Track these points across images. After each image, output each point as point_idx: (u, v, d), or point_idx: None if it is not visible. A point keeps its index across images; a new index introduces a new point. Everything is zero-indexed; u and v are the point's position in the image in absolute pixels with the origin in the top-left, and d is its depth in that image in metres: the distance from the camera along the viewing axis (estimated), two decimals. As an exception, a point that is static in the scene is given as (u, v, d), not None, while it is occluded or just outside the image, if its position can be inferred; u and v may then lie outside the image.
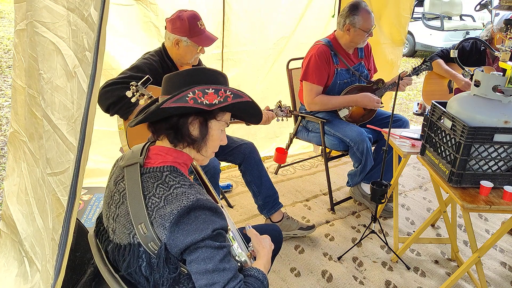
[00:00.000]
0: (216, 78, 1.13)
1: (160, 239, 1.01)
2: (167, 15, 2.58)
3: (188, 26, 2.01)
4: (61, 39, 1.17)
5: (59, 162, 1.23)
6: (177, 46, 2.07)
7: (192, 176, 1.41)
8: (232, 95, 1.11)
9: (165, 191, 1.04)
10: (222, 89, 1.09)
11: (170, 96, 1.06)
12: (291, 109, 2.43)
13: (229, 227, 1.12)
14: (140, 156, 1.12)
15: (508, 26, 1.88)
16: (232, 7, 2.92)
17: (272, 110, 2.35)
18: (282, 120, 2.43)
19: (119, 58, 2.54)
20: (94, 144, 1.19)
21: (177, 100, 1.05)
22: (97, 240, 1.21)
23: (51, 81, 1.22)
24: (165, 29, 2.09)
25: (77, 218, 1.35)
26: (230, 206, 2.81)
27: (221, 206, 1.25)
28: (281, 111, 2.38)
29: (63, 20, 1.15)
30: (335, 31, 2.74)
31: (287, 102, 2.66)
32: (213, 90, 1.08)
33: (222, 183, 3.01)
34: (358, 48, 2.77)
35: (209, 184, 1.34)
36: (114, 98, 1.91)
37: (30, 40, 1.33)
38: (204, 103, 1.07)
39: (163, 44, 2.15)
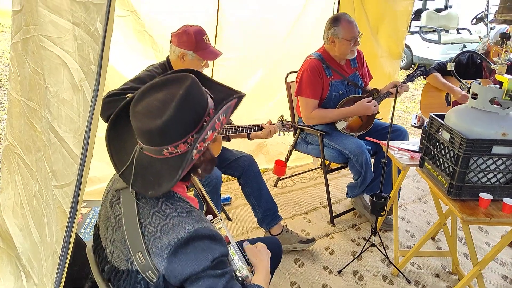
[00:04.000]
0: (202, 96, 1.03)
1: (158, 270, 0.98)
2: (161, 24, 2.65)
3: (194, 40, 2.05)
4: (67, 53, 1.18)
5: (65, 175, 1.23)
6: (182, 60, 2.09)
7: (192, 189, 1.41)
8: (225, 115, 1.05)
9: (161, 220, 1.00)
10: (216, 120, 1.02)
11: (179, 173, 0.99)
12: (293, 123, 2.46)
13: (229, 241, 1.11)
14: None
15: (504, 39, 1.90)
16: (226, 16, 3.00)
17: (274, 124, 2.37)
18: (284, 134, 2.46)
19: (118, 67, 2.58)
20: (93, 150, 1.19)
21: (187, 166, 1.00)
22: (95, 256, 1.19)
23: (58, 95, 1.23)
24: (171, 43, 2.12)
25: (75, 232, 1.35)
26: (229, 219, 2.80)
27: (220, 219, 1.24)
28: (283, 125, 2.41)
29: (68, 35, 1.17)
30: (324, 44, 2.77)
31: (281, 111, 2.68)
32: (211, 130, 1.01)
33: (221, 196, 3.00)
34: (350, 58, 2.80)
35: (208, 199, 1.33)
36: (115, 108, 1.92)
37: (33, 54, 1.35)
38: (207, 144, 1.03)
39: (167, 58, 2.18)
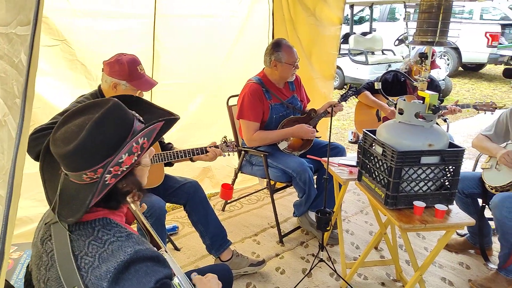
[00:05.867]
0: (125, 118, 0.99)
1: None
2: (94, 53, 2.59)
3: (127, 70, 1.98)
4: (-11, 87, 1.10)
5: (-11, 219, 1.12)
6: (115, 89, 2.02)
7: (135, 222, 1.36)
8: (146, 138, 1.00)
9: (98, 248, 0.95)
10: (134, 143, 0.97)
11: (89, 198, 0.94)
12: (236, 144, 2.47)
13: (174, 274, 1.07)
14: None
15: (422, 59, 2.09)
16: (162, 43, 2.99)
17: (217, 146, 2.37)
18: (229, 155, 2.45)
19: (49, 98, 2.45)
20: (22, 189, 1.10)
21: (101, 191, 0.96)
22: None
23: (-20, 132, 1.14)
24: (102, 71, 2.05)
25: (6, 280, 1.23)
26: (177, 249, 2.71)
27: (165, 251, 1.20)
28: (227, 146, 2.41)
29: (-9, 68, 1.09)
30: (264, 68, 2.86)
31: (223, 133, 2.70)
32: (127, 154, 0.96)
33: (167, 225, 2.90)
34: (288, 82, 2.91)
35: (151, 231, 1.28)
36: (43, 144, 1.81)
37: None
38: (124, 169, 0.98)
39: (99, 86, 2.10)
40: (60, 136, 0.98)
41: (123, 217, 1.10)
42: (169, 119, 1.05)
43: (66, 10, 2.47)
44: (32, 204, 2.53)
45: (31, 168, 2.40)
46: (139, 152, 1.00)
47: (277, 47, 2.74)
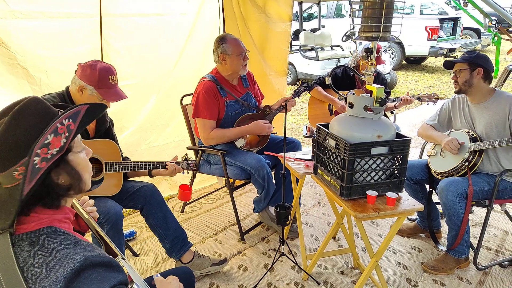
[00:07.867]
0: (46, 110, 0.96)
1: None
2: (38, 56, 2.47)
3: (97, 76, 1.96)
4: None
5: None
6: (81, 93, 1.99)
7: (89, 231, 1.31)
8: (71, 120, 0.97)
9: (45, 257, 0.90)
10: (58, 124, 0.94)
11: (21, 181, 0.90)
12: (196, 162, 2.46)
13: (132, 280, 1.05)
14: None
15: (368, 54, 2.17)
16: (110, 44, 2.89)
17: (178, 163, 2.34)
18: (188, 172, 2.45)
19: None
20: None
21: (32, 177, 0.91)
22: None
23: None
24: (75, 72, 2.01)
25: None
26: (135, 254, 2.64)
27: (123, 258, 1.17)
28: (188, 164, 2.39)
29: None
30: (216, 65, 2.85)
31: (180, 135, 2.63)
32: (53, 134, 0.93)
33: (124, 231, 2.82)
34: (242, 78, 2.91)
35: (106, 238, 1.23)
36: None
37: None
38: (54, 152, 0.94)
39: (67, 88, 2.05)
40: None
41: (70, 225, 1.05)
42: (95, 104, 1.04)
43: (2, 11, 2.31)
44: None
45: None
46: (67, 134, 0.96)
47: (222, 40, 2.74)
